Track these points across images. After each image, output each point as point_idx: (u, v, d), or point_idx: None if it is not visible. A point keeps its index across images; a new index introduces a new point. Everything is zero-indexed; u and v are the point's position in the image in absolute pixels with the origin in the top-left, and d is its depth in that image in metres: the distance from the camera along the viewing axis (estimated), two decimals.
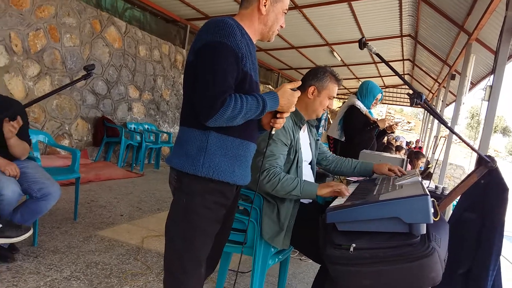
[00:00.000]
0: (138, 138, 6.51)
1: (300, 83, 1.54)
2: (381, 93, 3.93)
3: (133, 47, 6.84)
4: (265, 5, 1.51)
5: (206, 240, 1.51)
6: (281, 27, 1.60)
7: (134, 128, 6.82)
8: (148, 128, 7.21)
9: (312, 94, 2.12)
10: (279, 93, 1.47)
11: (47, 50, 5.20)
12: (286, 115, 1.56)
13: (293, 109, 1.52)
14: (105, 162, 6.12)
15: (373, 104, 3.90)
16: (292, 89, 1.51)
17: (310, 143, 2.29)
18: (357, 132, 3.73)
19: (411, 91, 1.72)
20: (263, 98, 1.41)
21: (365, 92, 3.82)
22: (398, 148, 7.17)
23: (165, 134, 7.61)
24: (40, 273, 2.41)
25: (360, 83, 4.07)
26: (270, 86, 13.29)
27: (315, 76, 2.14)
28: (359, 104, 3.78)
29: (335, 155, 2.47)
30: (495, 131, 47.32)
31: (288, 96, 1.48)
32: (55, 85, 5.30)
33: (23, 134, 2.60)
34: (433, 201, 1.48)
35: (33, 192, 2.46)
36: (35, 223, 2.76)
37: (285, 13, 1.58)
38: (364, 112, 3.78)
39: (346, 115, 3.84)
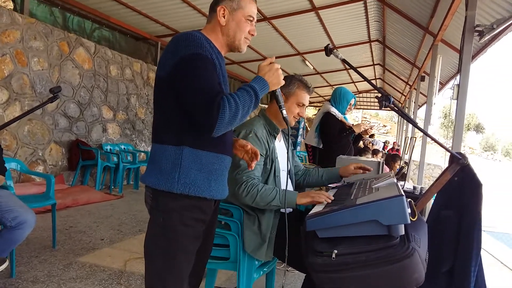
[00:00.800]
0: (115, 159, 6.40)
1: (274, 58, 1.52)
2: (354, 98, 3.99)
3: (103, 67, 6.77)
4: (223, 16, 1.51)
5: (187, 258, 1.48)
6: (252, 35, 1.56)
7: (110, 149, 6.71)
8: (124, 148, 7.10)
9: None
10: (260, 73, 1.45)
11: (15, 75, 5.09)
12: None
13: (282, 82, 1.50)
14: (82, 186, 5.98)
15: (347, 110, 3.96)
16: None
17: (287, 152, 2.30)
18: (334, 139, 3.77)
19: (379, 95, 1.75)
20: (251, 86, 1.40)
21: (338, 98, 3.87)
22: (375, 152, 7.28)
23: (142, 154, 7.51)
24: None
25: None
26: None
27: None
28: (334, 110, 3.83)
29: (305, 168, 2.47)
30: (468, 129, 48.57)
31: (269, 70, 1.46)
32: (26, 110, 5.18)
33: None
34: (410, 201, 1.50)
35: (7, 222, 2.39)
36: (12, 253, 2.67)
37: (250, 20, 1.54)
38: (339, 118, 3.83)
39: (322, 122, 3.89)
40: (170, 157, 1.41)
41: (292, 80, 2.15)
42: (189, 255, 1.49)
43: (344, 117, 3.97)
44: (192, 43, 1.37)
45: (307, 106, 2.22)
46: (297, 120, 2.21)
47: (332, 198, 1.85)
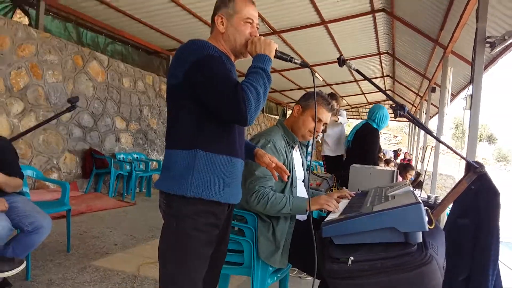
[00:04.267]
0: (128, 167, 6.47)
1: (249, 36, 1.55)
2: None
3: (116, 79, 6.88)
4: (222, 24, 1.54)
5: (200, 263, 1.49)
6: (255, 36, 1.55)
7: (123, 158, 6.79)
8: (137, 157, 7.18)
9: (297, 113, 2.17)
10: (252, 54, 1.49)
11: (30, 87, 5.20)
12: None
13: (275, 44, 1.51)
14: (95, 193, 6.05)
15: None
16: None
17: (302, 162, 2.32)
18: (374, 156, 3.82)
19: (394, 105, 1.77)
20: (254, 66, 1.43)
21: (380, 118, 3.99)
22: (387, 161, 7.25)
23: (154, 162, 7.58)
24: None
25: (372, 106, 4.19)
26: None
27: (303, 97, 2.20)
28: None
29: None
30: (480, 140, 47.98)
31: (255, 45, 1.49)
32: (40, 120, 5.27)
33: (13, 168, 2.60)
34: (426, 209, 1.51)
35: (25, 226, 2.42)
36: (27, 257, 2.70)
37: (250, 22, 1.55)
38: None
39: (365, 133, 3.94)
40: (183, 161, 1.43)
41: (311, 95, 2.16)
42: (202, 261, 1.50)
43: None
44: (199, 48, 1.41)
45: (324, 124, 2.22)
46: (313, 136, 2.19)
47: (338, 207, 1.87)
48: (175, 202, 1.44)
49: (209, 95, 1.37)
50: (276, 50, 1.53)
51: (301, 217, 2.20)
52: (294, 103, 2.22)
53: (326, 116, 2.18)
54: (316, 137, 2.21)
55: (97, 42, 6.84)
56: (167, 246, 1.49)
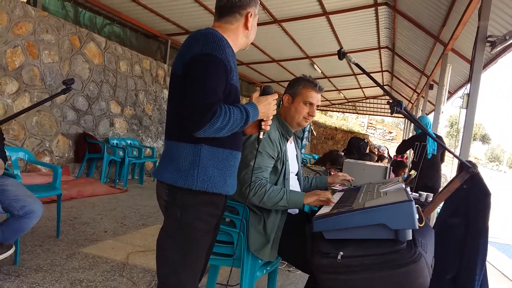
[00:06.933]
0: (121, 153, 6.43)
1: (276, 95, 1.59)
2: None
3: (113, 62, 6.80)
4: (249, 22, 1.56)
5: (201, 253, 1.52)
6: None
7: (117, 143, 6.74)
8: (131, 143, 7.14)
9: (287, 102, 2.14)
10: (255, 103, 1.50)
11: (26, 67, 5.13)
12: (269, 122, 1.59)
13: (273, 113, 1.56)
14: (87, 179, 6.01)
15: None
16: (268, 93, 1.56)
17: (296, 155, 2.30)
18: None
19: (391, 100, 1.75)
20: (246, 109, 1.43)
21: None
22: (381, 158, 7.24)
23: (148, 149, 7.54)
24: None
25: (422, 118, 4.90)
26: None
27: (289, 85, 2.17)
28: None
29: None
30: (474, 139, 48.24)
31: (265, 104, 1.52)
32: (35, 101, 5.22)
33: None
34: (417, 207, 1.50)
35: (15, 210, 2.39)
36: (16, 241, 2.68)
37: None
38: None
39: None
40: (188, 155, 1.43)
41: (297, 81, 2.14)
42: (204, 250, 1.53)
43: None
44: (211, 43, 1.39)
45: (317, 106, 2.18)
46: (308, 121, 2.18)
47: (334, 200, 1.86)
48: (180, 193, 1.45)
49: (191, 89, 1.36)
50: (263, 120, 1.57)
51: (293, 210, 2.19)
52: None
53: (316, 98, 2.13)
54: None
55: (95, 23, 6.75)
56: (170, 236, 1.50)
